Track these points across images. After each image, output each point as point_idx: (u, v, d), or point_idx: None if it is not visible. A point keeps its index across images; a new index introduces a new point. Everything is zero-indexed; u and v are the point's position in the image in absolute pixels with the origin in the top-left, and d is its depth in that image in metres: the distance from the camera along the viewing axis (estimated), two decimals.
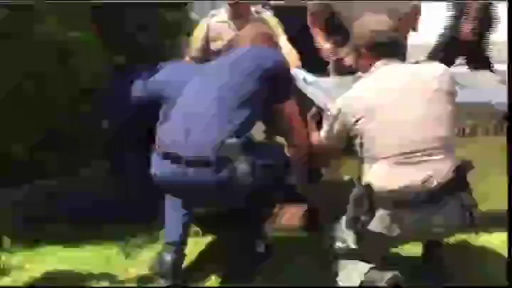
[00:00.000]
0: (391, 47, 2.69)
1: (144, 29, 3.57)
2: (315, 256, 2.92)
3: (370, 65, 2.67)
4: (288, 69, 2.91)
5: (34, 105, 3.18)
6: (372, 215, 2.44)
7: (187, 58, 3.85)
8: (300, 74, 3.42)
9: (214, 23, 3.86)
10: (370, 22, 2.73)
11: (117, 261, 3.03)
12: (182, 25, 3.95)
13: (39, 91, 3.18)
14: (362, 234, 2.48)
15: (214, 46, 3.82)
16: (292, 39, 3.87)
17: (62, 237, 3.14)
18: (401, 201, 2.43)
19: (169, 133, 2.68)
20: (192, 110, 2.67)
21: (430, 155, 2.47)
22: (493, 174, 2.98)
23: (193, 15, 4.20)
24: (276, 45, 3.09)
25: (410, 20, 3.60)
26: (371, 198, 2.43)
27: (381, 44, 2.66)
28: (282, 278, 2.84)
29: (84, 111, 3.30)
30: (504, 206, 2.75)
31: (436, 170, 2.46)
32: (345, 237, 2.56)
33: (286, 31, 3.93)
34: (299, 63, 3.67)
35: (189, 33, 3.94)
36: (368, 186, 2.44)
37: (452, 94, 2.60)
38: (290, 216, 3.32)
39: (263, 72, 2.71)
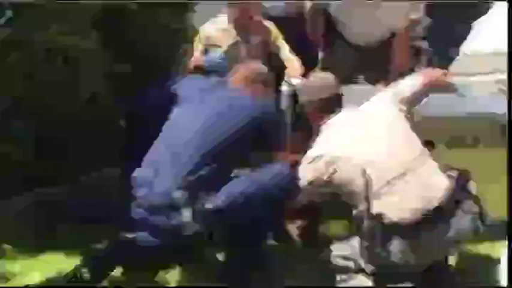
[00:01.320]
0: (338, 101, 2.85)
1: (146, 37, 3.58)
2: (314, 265, 2.93)
3: (320, 118, 2.81)
4: (277, 123, 3.00)
5: (36, 113, 3.19)
6: (388, 246, 2.45)
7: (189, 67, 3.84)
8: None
9: (212, 31, 3.85)
10: (318, 81, 2.90)
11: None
12: (184, 33, 3.96)
13: (42, 98, 3.20)
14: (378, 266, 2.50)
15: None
16: (292, 47, 3.88)
17: (64, 245, 3.14)
18: (413, 226, 2.45)
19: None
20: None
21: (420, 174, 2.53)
22: (493, 183, 2.99)
23: (195, 23, 4.21)
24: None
25: (407, 34, 3.61)
26: (384, 228, 2.45)
27: (331, 100, 2.82)
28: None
29: (86, 119, 3.31)
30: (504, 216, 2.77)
31: (435, 184, 2.50)
32: (359, 261, 2.58)
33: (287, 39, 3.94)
34: (301, 72, 3.68)
35: (190, 41, 3.95)
36: (379, 216, 2.46)
37: (407, 113, 2.73)
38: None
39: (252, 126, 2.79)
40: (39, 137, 3.26)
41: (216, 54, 3.68)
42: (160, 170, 2.69)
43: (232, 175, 2.71)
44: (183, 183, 2.60)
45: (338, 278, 2.63)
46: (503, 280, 2.60)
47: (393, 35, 3.60)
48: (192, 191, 2.59)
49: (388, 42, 3.61)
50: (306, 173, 2.68)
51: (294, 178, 2.72)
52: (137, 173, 2.76)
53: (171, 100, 3.01)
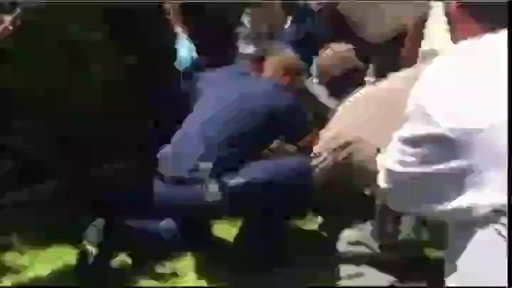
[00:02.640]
0: (357, 76, 2.86)
1: (155, 30, 3.59)
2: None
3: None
4: (300, 112, 2.97)
5: (48, 107, 3.20)
6: (398, 223, 2.45)
7: None
8: None
9: None
10: (333, 56, 2.84)
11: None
12: None
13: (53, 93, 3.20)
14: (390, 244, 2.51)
15: None
16: None
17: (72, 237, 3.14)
18: None
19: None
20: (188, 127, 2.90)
21: None
22: None
23: None
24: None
25: (418, 30, 3.61)
26: None
27: (347, 75, 2.84)
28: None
29: (97, 113, 3.32)
30: None
31: None
32: (370, 244, 2.58)
33: None
34: None
35: None
36: None
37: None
38: None
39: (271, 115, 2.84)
40: (51, 129, 3.28)
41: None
42: (180, 148, 2.84)
43: (250, 161, 2.75)
44: (204, 158, 2.71)
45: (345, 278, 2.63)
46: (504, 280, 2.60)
47: (403, 31, 3.60)
48: (213, 166, 2.68)
49: (398, 38, 3.62)
50: (322, 155, 2.67)
51: (313, 172, 2.73)
52: (160, 153, 2.91)
53: (184, 95, 3.07)
